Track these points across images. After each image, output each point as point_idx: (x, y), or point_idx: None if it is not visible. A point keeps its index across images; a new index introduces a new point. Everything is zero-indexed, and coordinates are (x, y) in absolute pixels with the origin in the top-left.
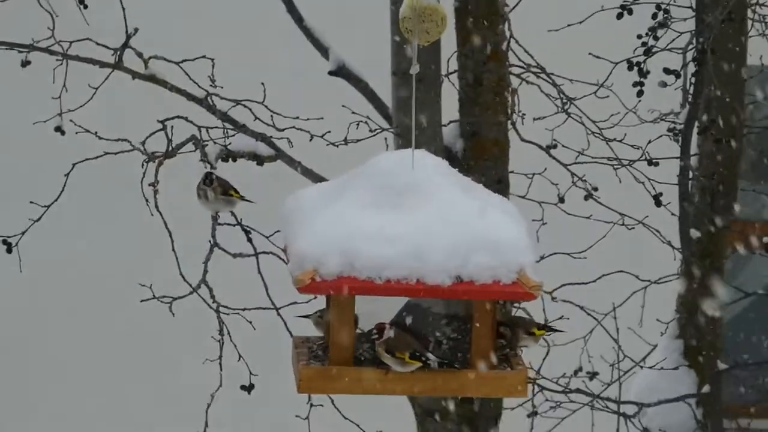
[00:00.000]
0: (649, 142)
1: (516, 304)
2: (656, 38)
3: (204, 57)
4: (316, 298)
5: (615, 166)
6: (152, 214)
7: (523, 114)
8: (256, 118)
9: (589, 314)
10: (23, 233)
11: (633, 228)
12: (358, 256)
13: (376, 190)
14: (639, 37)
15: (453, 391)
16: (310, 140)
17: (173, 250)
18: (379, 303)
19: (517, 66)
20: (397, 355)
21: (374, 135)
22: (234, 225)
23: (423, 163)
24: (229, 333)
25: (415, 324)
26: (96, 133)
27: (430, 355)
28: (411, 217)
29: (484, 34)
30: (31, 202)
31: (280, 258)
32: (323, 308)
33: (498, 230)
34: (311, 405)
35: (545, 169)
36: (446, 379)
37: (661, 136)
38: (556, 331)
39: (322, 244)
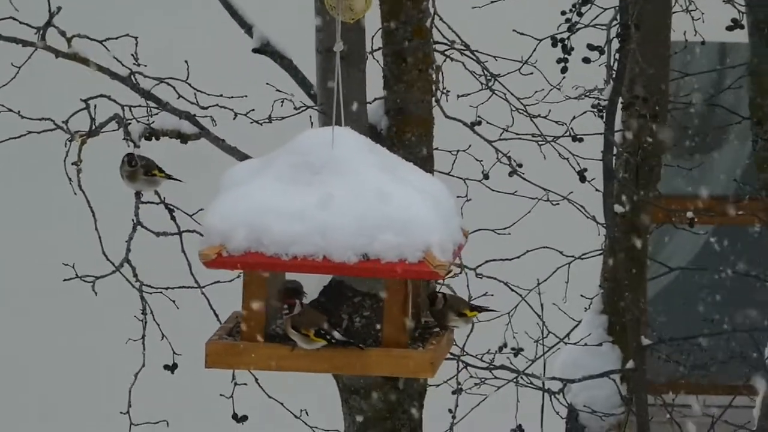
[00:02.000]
0: (574, 118)
1: (439, 282)
2: (580, 14)
3: (127, 35)
4: (239, 276)
5: (539, 143)
6: (75, 193)
7: (448, 91)
8: (180, 96)
9: (513, 290)
10: None
11: (557, 204)
12: (266, 232)
13: (295, 167)
14: (563, 13)
15: (357, 370)
16: (234, 118)
17: (96, 229)
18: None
19: (441, 43)
20: (302, 332)
21: (299, 113)
22: (157, 203)
23: (344, 141)
24: (152, 312)
25: (333, 301)
26: (19, 112)
27: (335, 333)
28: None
29: (408, 11)
30: None
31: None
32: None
33: (408, 209)
34: (235, 384)
35: (470, 145)
36: (349, 357)
37: (586, 112)
38: (490, 310)
39: (231, 220)
